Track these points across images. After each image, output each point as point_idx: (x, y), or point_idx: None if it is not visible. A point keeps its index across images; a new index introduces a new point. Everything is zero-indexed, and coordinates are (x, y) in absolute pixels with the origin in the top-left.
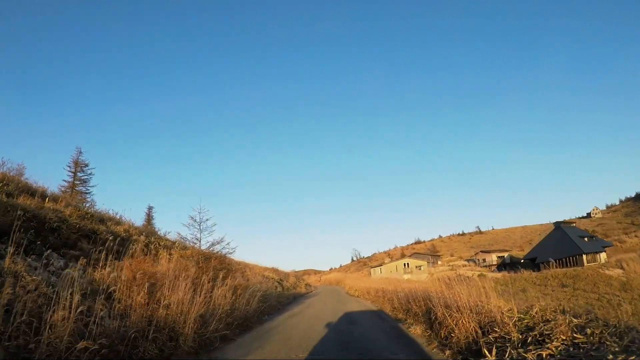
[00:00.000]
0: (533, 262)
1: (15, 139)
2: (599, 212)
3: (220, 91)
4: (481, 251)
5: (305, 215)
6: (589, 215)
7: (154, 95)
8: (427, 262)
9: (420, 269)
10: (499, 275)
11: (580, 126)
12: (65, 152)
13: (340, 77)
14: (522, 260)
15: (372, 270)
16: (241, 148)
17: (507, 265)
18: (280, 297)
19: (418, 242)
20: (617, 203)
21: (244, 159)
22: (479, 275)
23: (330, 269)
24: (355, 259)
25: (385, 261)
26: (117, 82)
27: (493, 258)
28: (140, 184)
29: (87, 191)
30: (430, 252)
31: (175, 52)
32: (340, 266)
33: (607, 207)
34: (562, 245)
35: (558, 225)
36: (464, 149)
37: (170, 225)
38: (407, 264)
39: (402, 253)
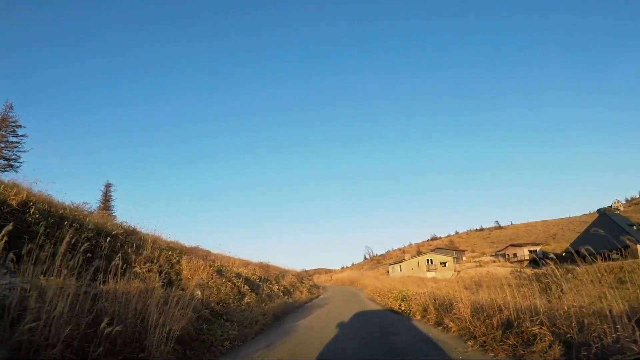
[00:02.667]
0: (576, 256)
1: None
2: (620, 205)
3: (226, 93)
4: (511, 245)
5: (314, 215)
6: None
7: (154, 97)
8: (453, 258)
9: (445, 266)
10: (539, 272)
11: (593, 123)
12: None
13: (344, 78)
14: (563, 254)
15: (390, 267)
16: (245, 150)
17: (540, 260)
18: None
19: (434, 238)
20: (637, 196)
21: (250, 161)
22: (511, 272)
23: (342, 268)
24: (368, 257)
25: (406, 257)
26: (118, 84)
27: (525, 252)
28: (144, 188)
29: (15, 156)
30: (449, 248)
31: (173, 53)
32: (353, 264)
33: (627, 200)
34: (610, 234)
35: (603, 212)
36: (475, 148)
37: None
38: (431, 260)
39: (419, 250)
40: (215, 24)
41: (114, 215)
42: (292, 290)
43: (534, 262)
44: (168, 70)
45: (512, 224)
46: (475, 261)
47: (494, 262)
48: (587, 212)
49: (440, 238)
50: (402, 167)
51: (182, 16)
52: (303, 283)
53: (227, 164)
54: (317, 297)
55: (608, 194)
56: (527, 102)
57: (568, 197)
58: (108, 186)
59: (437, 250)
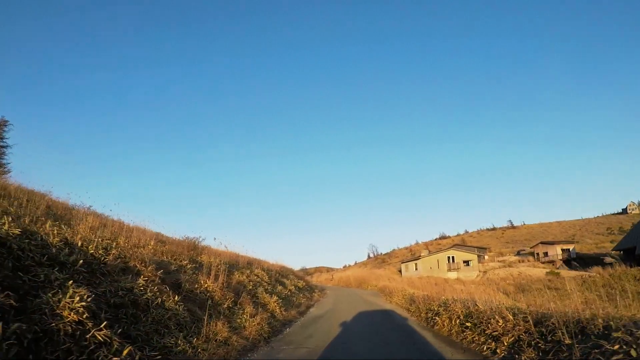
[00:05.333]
0: (630, 254)
1: None
2: (636, 207)
3: (223, 93)
4: (541, 243)
5: (315, 214)
6: (624, 210)
7: (155, 99)
8: (477, 256)
9: (468, 265)
10: (590, 274)
11: (608, 125)
12: None
13: (349, 78)
14: (611, 251)
15: (403, 265)
16: (245, 151)
17: (575, 260)
18: None
19: (443, 237)
20: None
21: (251, 162)
22: (547, 273)
23: (345, 266)
24: (372, 255)
25: (422, 254)
26: (118, 83)
27: (557, 251)
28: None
29: None
30: (469, 245)
31: (174, 53)
32: (356, 263)
33: None
34: None
35: None
36: (480, 148)
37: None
38: (452, 257)
39: (427, 249)
40: (216, 23)
41: (7, 169)
42: (225, 311)
43: (567, 263)
44: (167, 70)
45: (524, 224)
46: (499, 260)
47: (522, 261)
48: (600, 214)
49: (449, 237)
50: (407, 167)
51: (181, 15)
52: (282, 284)
53: (227, 163)
54: (305, 313)
55: (621, 196)
56: (527, 104)
57: (577, 199)
58: (2, 124)
59: (456, 246)
